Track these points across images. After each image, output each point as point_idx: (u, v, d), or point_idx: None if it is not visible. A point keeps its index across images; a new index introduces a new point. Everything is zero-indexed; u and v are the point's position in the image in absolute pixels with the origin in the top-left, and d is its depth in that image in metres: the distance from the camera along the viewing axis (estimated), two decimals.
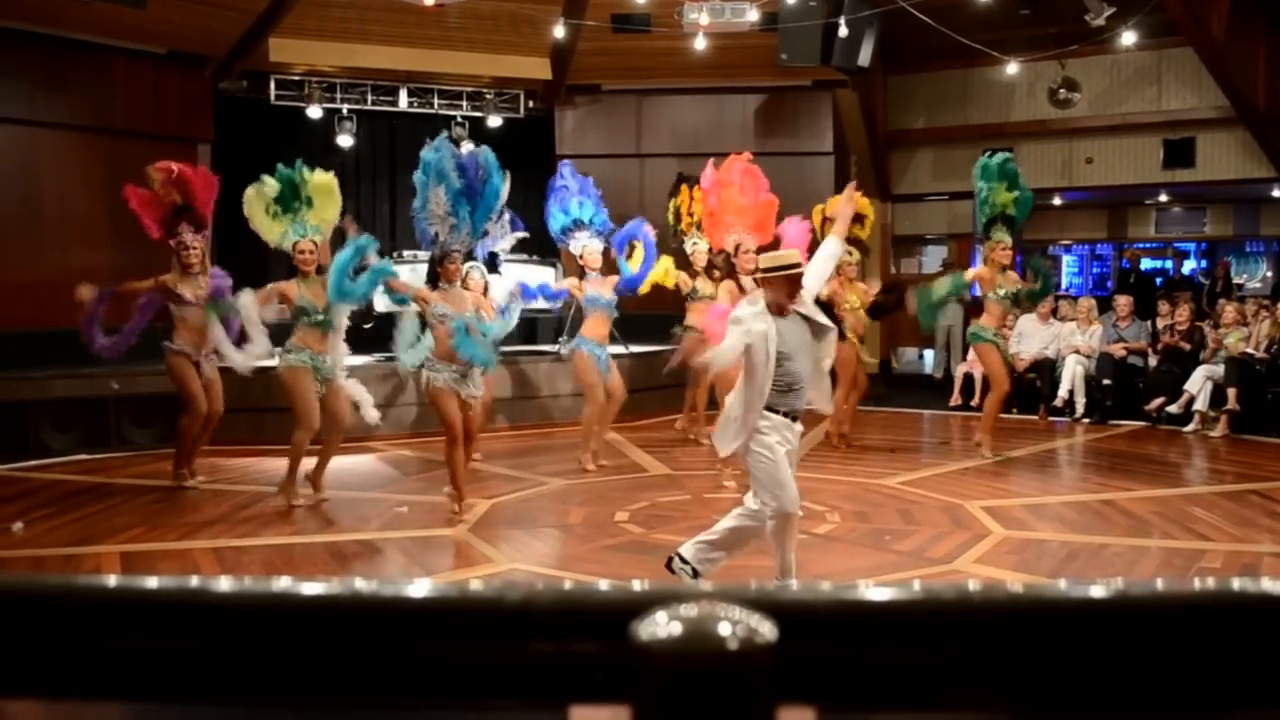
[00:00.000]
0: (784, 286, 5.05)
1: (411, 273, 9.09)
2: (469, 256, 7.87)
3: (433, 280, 7.05)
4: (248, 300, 7.57)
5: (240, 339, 7.81)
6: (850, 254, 9.40)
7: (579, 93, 13.86)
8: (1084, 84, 13.78)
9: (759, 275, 5.24)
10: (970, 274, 9.26)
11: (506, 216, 7.91)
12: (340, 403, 7.60)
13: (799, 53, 12.02)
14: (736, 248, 7.98)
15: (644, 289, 9.10)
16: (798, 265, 5.10)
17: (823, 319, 5.20)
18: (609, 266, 8.96)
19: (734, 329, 5.02)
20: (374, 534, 6.88)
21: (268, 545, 6.61)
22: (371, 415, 7.99)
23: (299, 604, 0.70)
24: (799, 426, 5.18)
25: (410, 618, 0.69)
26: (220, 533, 6.86)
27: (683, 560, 5.22)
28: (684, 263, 9.64)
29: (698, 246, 9.45)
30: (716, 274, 8.75)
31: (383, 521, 7.19)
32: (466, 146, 13.18)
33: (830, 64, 12.07)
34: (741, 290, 7.77)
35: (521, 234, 8.43)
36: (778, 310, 5.05)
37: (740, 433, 5.05)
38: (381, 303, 9.89)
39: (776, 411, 5.03)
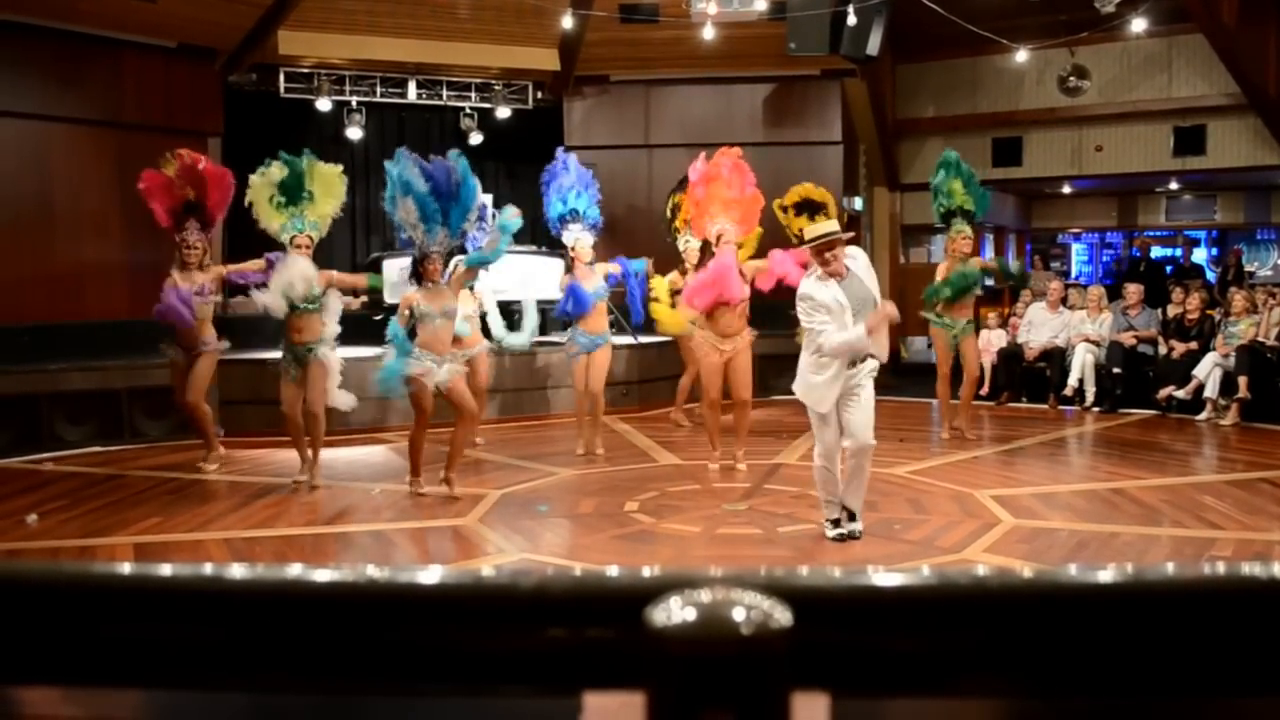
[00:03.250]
0: (817, 254, 5.86)
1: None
2: (461, 250, 8.15)
3: (417, 279, 7.34)
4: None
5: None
6: None
7: (587, 83, 13.83)
8: (1094, 71, 13.71)
9: (808, 247, 6.03)
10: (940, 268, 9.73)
11: (489, 215, 8.03)
12: (311, 394, 7.88)
13: (807, 42, 11.98)
14: (718, 237, 8.04)
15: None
16: (834, 234, 5.87)
17: (872, 284, 6.00)
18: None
19: (803, 305, 5.85)
20: (386, 524, 6.90)
21: (280, 536, 6.64)
22: (340, 400, 8.20)
23: (313, 591, 0.70)
24: (860, 368, 5.90)
25: (424, 605, 0.69)
26: (233, 524, 6.89)
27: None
28: (675, 259, 9.98)
29: (690, 244, 9.72)
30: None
31: (394, 512, 7.21)
32: (475, 138, 13.28)
33: (839, 53, 12.03)
34: None
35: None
36: (834, 275, 5.84)
37: (831, 387, 5.85)
38: (391, 295, 9.95)
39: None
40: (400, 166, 7.26)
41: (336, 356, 8.08)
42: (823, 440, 6.03)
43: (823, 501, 6.31)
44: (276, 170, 7.74)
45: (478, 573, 0.71)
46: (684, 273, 9.65)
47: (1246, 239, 18.48)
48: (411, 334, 7.28)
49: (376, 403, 9.93)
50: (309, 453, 7.92)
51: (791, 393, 6.19)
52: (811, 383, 5.93)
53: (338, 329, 8.02)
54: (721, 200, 8.18)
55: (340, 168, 8.11)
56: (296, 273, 7.64)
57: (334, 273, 8.10)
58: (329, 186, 7.94)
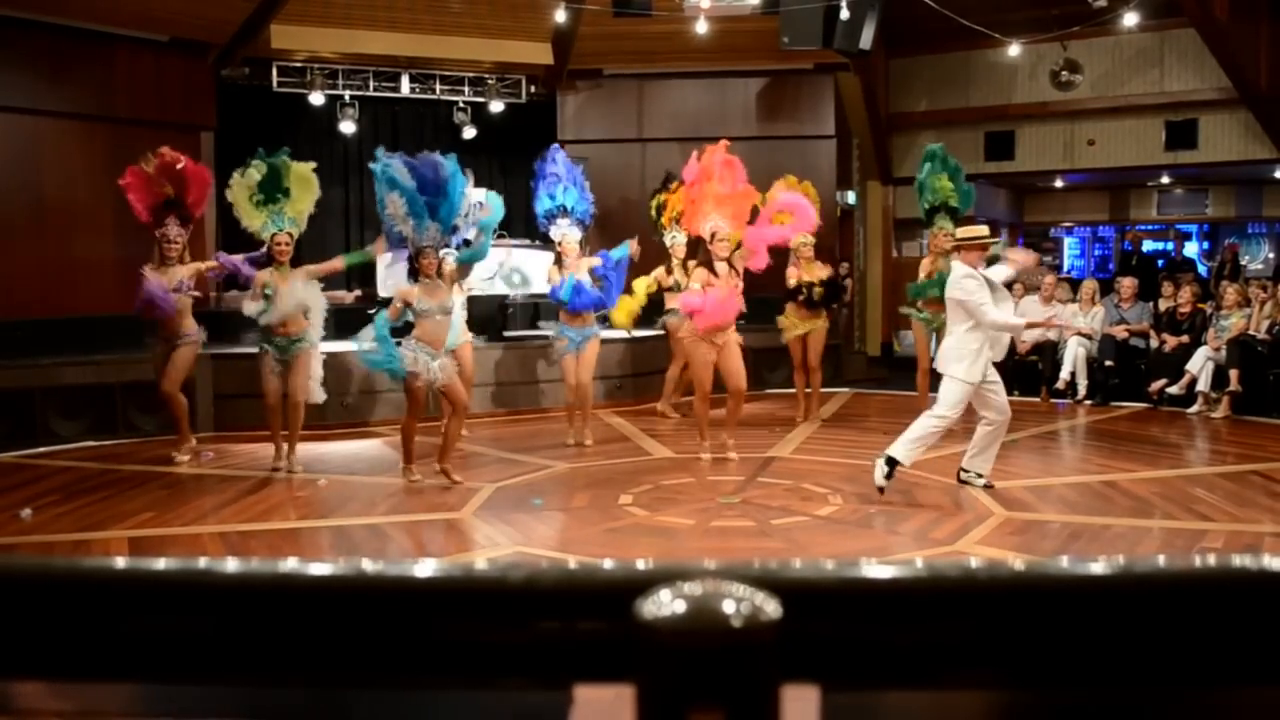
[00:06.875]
0: (975, 252, 6.70)
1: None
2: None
3: (413, 275, 7.46)
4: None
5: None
6: (805, 238, 9.91)
7: (581, 77, 13.81)
8: (1086, 66, 13.71)
9: (956, 244, 6.90)
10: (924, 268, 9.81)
11: (477, 206, 8.10)
12: (294, 382, 8.10)
13: (800, 36, 11.97)
14: (712, 235, 8.08)
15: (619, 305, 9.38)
16: (986, 236, 6.81)
17: (1001, 286, 6.81)
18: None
19: (971, 284, 6.58)
20: (379, 518, 6.89)
21: (274, 530, 6.63)
22: (317, 395, 8.40)
23: (306, 584, 0.70)
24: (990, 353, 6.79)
25: (416, 597, 0.69)
26: (227, 518, 6.88)
27: (890, 462, 6.84)
28: (664, 256, 10.17)
29: (676, 240, 10.00)
30: (691, 263, 8.85)
31: (388, 505, 7.21)
32: (468, 133, 13.27)
33: (832, 47, 12.02)
34: (714, 274, 7.93)
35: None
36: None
37: (976, 365, 6.64)
38: (386, 289, 9.98)
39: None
40: (383, 164, 7.41)
41: (319, 350, 8.26)
42: (957, 408, 6.75)
43: (913, 450, 6.87)
44: (254, 171, 7.97)
45: (469, 566, 0.71)
46: (670, 270, 9.82)
47: (1238, 233, 18.51)
48: (406, 328, 7.36)
49: (369, 397, 9.92)
50: (284, 444, 8.21)
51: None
52: (962, 356, 6.68)
53: (321, 328, 8.21)
54: (714, 197, 8.22)
55: (313, 165, 8.28)
56: (293, 303, 7.90)
57: (309, 266, 8.24)
58: (305, 183, 8.15)
